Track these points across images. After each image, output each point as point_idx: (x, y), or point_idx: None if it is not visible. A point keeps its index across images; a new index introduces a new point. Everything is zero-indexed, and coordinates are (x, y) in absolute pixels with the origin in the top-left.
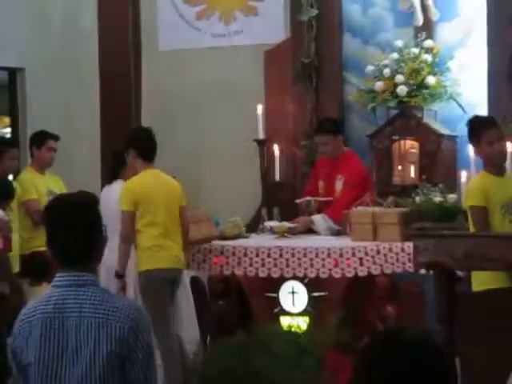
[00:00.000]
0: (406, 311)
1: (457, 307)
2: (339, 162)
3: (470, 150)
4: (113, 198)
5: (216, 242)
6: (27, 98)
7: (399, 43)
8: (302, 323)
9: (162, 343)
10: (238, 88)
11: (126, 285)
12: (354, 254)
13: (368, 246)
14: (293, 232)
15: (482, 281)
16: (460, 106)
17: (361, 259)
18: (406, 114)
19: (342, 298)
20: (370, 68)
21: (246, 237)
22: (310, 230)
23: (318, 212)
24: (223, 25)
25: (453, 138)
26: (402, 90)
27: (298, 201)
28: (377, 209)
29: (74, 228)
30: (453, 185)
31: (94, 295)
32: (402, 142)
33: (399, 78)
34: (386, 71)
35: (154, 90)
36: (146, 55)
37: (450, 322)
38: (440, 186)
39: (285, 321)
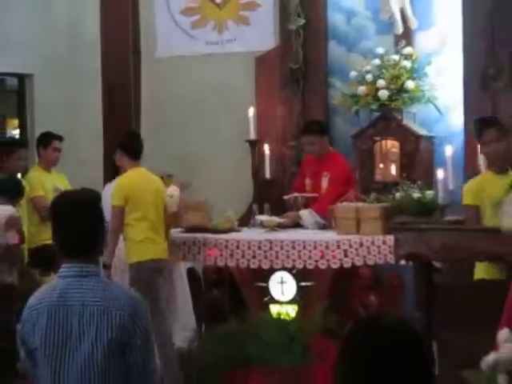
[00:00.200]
0: (387, 300)
1: (434, 296)
2: (325, 161)
3: (447, 149)
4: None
5: (210, 235)
6: (35, 101)
7: (380, 50)
8: (291, 311)
9: (158, 337)
10: (231, 92)
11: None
12: (338, 247)
13: (352, 239)
14: (282, 226)
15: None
16: (437, 108)
17: (345, 251)
18: (387, 117)
19: (328, 288)
20: (353, 73)
21: (238, 231)
22: (297, 225)
23: (305, 207)
24: (217, 33)
25: (430, 139)
26: (383, 93)
27: (285, 197)
28: (360, 204)
29: (77, 223)
30: (430, 182)
31: (96, 285)
32: (383, 142)
33: (381, 82)
34: (369, 76)
35: (153, 94)
36: (144, 62)
37: (427, 309)
38: (419, 183)
39: (274, 309)
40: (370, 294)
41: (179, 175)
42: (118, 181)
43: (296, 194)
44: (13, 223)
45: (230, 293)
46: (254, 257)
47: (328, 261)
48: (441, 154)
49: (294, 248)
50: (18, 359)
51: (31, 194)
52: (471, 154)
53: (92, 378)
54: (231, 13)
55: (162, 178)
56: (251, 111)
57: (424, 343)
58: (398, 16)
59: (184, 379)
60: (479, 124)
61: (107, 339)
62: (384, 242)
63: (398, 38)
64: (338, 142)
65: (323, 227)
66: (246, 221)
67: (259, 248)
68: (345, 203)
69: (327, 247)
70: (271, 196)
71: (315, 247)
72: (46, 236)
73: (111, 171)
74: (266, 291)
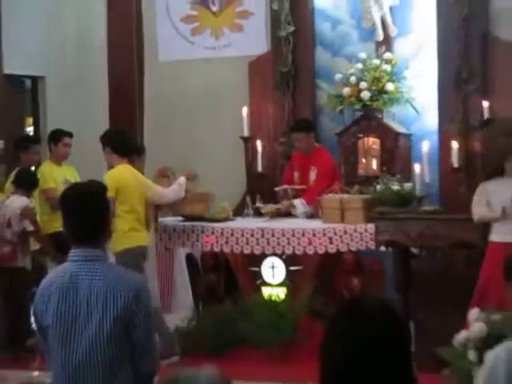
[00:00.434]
0: (368, 283)
1: (412, 279)
2: (312, 156)
3: (423, 146)
4: None
5: (207, 224)
6: (47, 101)
7: (363, 55)
8: (281, 293)
9: None
10: (227, 93)
11: None
12: (324, 234)
13: (336, 227)
14: (277, 213)
15: None
16: (414, 108)
17: (330, 238)
18: (368, 116)
19: (315, 272)
20: (338, 76)
21: (233, 220)
22: (287, 214)
23: (294, 198)
24: (214, 39)
25: (408, 136)
26: (365, 94)
27: (276, 189)
28: (344, 196)
29: (85, 212)
30: (408, 175)
31: (103, 268)
32: (365, 139)
33: (363, 84)
34: (352, 79)
35: (155, 95)
36: (147, 65)
37: (405, 292)
38: (397, 176)
39: (266, 291)
40: (353, 277)
41: (178, 169)
42: (108, 174)
43: (286, 186)
44: (27, 213)
45: (225, 276)
46: (247, 243)
47: (315, 247)
48: (418, 150)
49: (283, 235)
50: (28, 336)
51: (43, 185)
52: (445, 150)
53: (98, 352)
54: (227, 21)
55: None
56: (245, 110)
57: (402, 322)
58: (378, 24)
59: (182, 355)
60: None
61: (113, 318)
62: (366, 230)
63: (378, 44)
64: (325, 139)
65: (311, 216)
66: (240, 211)
67: (252, 235)
68: (330, 195)
69: (314, 235)
70: (263, 188)
71: (303, 235)
72: (56, 224)
73: None
74: (258, 275)
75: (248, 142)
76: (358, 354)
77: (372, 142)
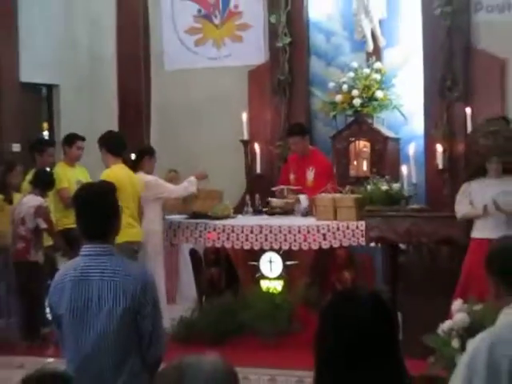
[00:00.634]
0: (359, 276)
1: (399, 272)
2: (308, 158)
3: (410, 149)
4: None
5: (209, 221)
6: (61, 108)
7: (354, 65)
8: (278, 286)
9: None
10: (227, 99)
11: None
12: (318, 231)
13: (330, 224)
14: (285, 207)
15: None
16: (402, 114)
17: (324, 235)
18: (359, 121)
19: (310, 266)
20: (331, 84)
21: (234, 217)
22: (284, 212)
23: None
24: (216, 50)
25: (396, 140)
26: (356, 101)
27: (274, 189)
28: (337, 195)
29: (96, 210)
30: (396, 176)
31: (113, 262)
32: (356, 142)
33: (354, 92)
34: (344, 87)
35: (161, 102)
36: (154, 74)
37: (393, 284)
38: (386, 177)
39: (264, 284)
40: (345, 271)
41: (183, 170)
42: (104, 173)
43: (282, 187)
44: (40, 212)
45: (226, 270)
46: (246, 239)
47: (309, 243)
48: (405, 153)
49: (280, 232)
50: (42, 325)
51: (58, 185)
52: (431, 153)
53: (108, 340)
54: (228, 32)
55: (170, 171)
56: (244, 116)
57: (391, 312)
58: (369, 36)
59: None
60: None
61: (122, 308)
62: (357, 227)
63: (369, 55)
64: (319, 142)
65: (306, 214)
66: (240, 209)
67: (251, 232)
68: (324, 194)
69: (309, 231)
70: (261, 188)
71: (299, 231)
72: (69, 221)
73: (132, 166)
74: (256, 269)
75: (247, 145)
76: (350, 340)
77: (363, 145)
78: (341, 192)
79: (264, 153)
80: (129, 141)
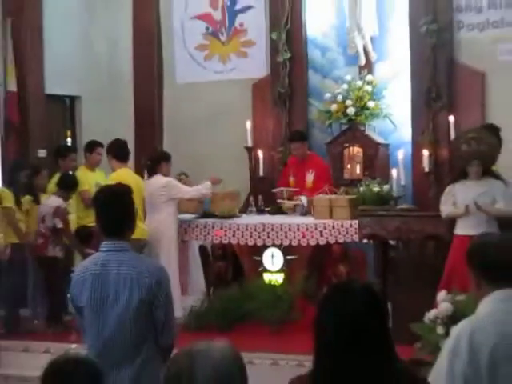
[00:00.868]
0: (353, 269)
1: (389, 266)
2: (307, 162)
3: (399, 154)
4: (152, 188)
5: (217, 220)
6: (82, 117)
7: (348, 77)
8: (279, 278)
9: None
10: (233, 109)
11: None
12: (316, 229)
13: (326, 222)
14: (294, 207)
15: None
16: (392, 122)
17: (321, 232)
18: (353, 128)
19: (308, 260)
20: (327, 95)
21: (239, 216)
22: (284, 212)
23: (289, 199)
24: (222, 64)
25: (386, 146)
26: (350, 110)
27: (274, 190)
28: (332, 196)
29: (114, 210)
30: (386, 179)
31: (129, 257)
32: (350, 148)
33: (348, 102)
34: (339, 97)
35: (173, 111)
36: (166, 86)
37: (384, 277)
38: (377, 179)
39: (266, 276)
40: (340, 265)
41: (192, 173)
42: (110, 176)
43: (282, 188)
44: (58, 213)
45: (232, 264)
46: (250, 236)
47: (308, 239)
48: (394, 158)
49: (281, 229)
50: (64, 313)
51: (79, 187)
52: (418, 157)
53: (125, 328)
54: (233, 49)
55: (179, 175)
56: (248, 124)
57: (382, 301)
58: (361, 51)
59: (197, 331)
60: None
61: (138, 299)
62: (351, 225)
63: (361, 68)
64: (316, 148)
65: (305, 213)
66: (245, 209)
67: (255, 230)
68: (321, 195)
69: (307, 229)
70: (264, 189)
71: (298, 229)
72: (89, 220)
73: (149, 170)
74: (260, 263)
75: (251, 150)
76: (345, 326)
77: (356, 151)
78: (336, 193)
79: (266, 158)
80: (143, 147)
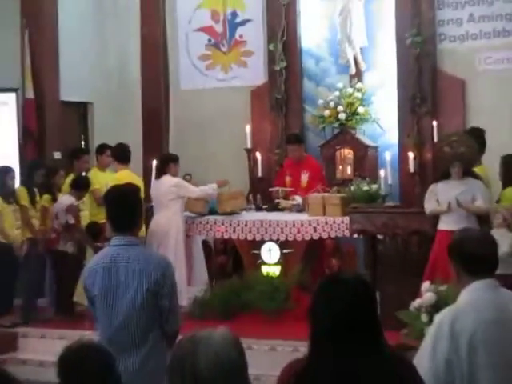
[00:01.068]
0: (344, 262)
1: (378, 259)
2: (303, 163)
3: (386, 155)
4: (161, 187)
5: (219, 217)
6: (95, 122)
7: (340, 85)
8: (276, 270)
9: None
10: (233, 114)
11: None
12: (310, 224)
13: (320, 219)
14: (291, 206)
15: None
16: (380, 126)
17: (315, 228)
18: (344, 132)
19: (303, 254)
20: (320, 101)
21: (239, 213)
22: (281, 209)
23: (284, 198)
24: (223, 73)
25: (375, 148)
26: (341, 116)
27: (270, 189)
28: (325, 194)
29: (122, 207)
30: (375, 179)
31: (137, 251)
32: (342, 150)
33: (340, 108)
34: (331, 103)
35: (178, 116)
36: (172, 93)
37: (373, 268)
38: (367, 179)
39: (264, 269)
40: (333, 258)
41: (195, 173)
42: (112, 177)
43: (277, 188)
44: (71, 210)
45: (233, 257)
46: (250, 232)
47: (303, 234)
48: (382, 159)
49: (278, 225)
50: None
51: (91, 187)
52: (404, 159)
53: (134, 316)
54: (233, 58)
55: (183, 176)
56: (248, 128)
57: (371, 291)
58: (351, 61)
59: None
60: None
61: (145, 289)
62: (342, 221)
63: (351, 77)
64: (310, 150)
65: (300, 210)
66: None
67: (253, 225)
68: (315, 193)
69: (302, 225)
70: (262, 189)
71: (293, 225)
72: (102, 216)
73: (158, 170)
74: (258, 256)
75: (250, 152)
76: (338, 314)
77: (347, 153)
78: (329, 192)
79: (264, 159)
80: (151, 149)
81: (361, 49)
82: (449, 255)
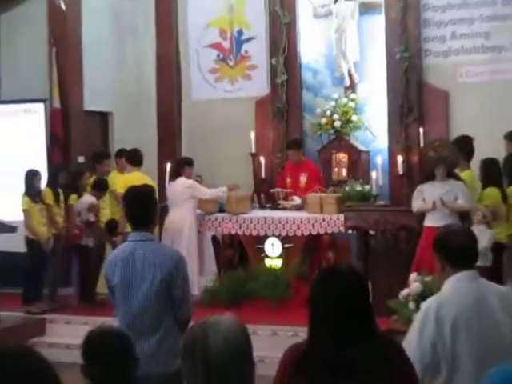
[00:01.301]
0: (340, 255)
1: (370, 252)
2: (302, 166)
3: (377, 159)
4: (177, 188)
5: (226, 215)
6: (114, 129)
7: (335, 96)
8: (278, 263)
9: None
10: (240, 122)
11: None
12: (308, 221)
13: (317, 216)
14: (291, 206)
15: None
16: (371, 133)
17: (313, 224)
18: (339, 138)
19: (302, 248)
20: (318, 110)
21: (245, 212)
22: (282, 208)
23: (284, 199)
24: (230, 85)
25: (367, 152)
26: (337, 123)
27: (272, 190)
28: (323, 194)
29: (139, 205)
30: (367, 180)
31: (153, 246)
32: (337, 154)
33: (335, 116)
34: (328, 112)
35: (190, 124)
36: (184, 103)
37: (365, 261)
38: (360, 180)
39: (267, 261)
40: (329, 251)
41: (205, 175)
42: (125, 177)
43: (278, 189)
44: (92, 208)
45: (239, 251)
46: (254, 228)
47: (302, 230)
48: (374, 163)
49: (280, 222)
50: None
51: (111, 187)
52: (393, 162)
53: (149, 304)
54: (239, 72)
55: (194, 178)
56: (252, 134)
57: (364, 282)
58: (346, 74)
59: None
60: None
61: (159, 280)
62: (338, 218)
63: (346, 88)
64: (309, 154)
65: (300, 208)
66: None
67: (258, 222)
68: (313, 193)
69: (301, 221)
70: (265, 189)
71: (294, 222)
72: (120, 214)
73: (173, 172)
74: (262, 250)
75: (254, 156)
76: (335, 302)
77: (342, 157)
78: (325, 192)
79: (267, 162)
80: (165, 153)
81: (354, 63)
82: (434, 249)
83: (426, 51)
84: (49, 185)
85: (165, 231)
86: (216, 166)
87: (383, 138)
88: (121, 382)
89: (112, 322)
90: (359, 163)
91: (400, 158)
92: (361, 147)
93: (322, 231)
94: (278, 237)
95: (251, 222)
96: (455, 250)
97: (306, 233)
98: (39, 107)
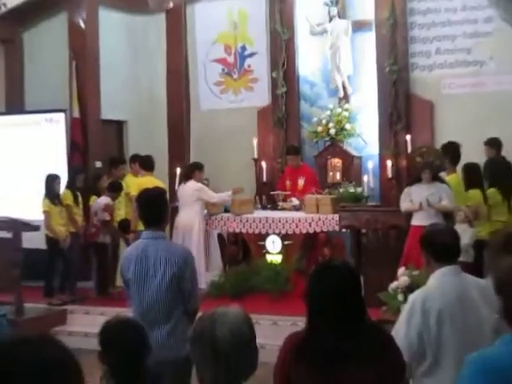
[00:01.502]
0: (334, 252)
1: (362, 249)
2: (300, 170)
3: (369, 164)
4: (187, 190)
5: (231, 215)
6: (129, 136)
7: (330, 106)
8: (278, 258)
9: None
10: (243, 130)
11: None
12: (306, 221)
13: (314, 216)
14: (290, 207)
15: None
16: (363, 140)
17: (310, 223)
18: (334, 145)
19: (300, 245)
20: (314, 119)
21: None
22: (282, 208)
23: (283, 200)
24: (234, 96)
25: (359, 158)
26: (332, 131)
27: (272, 193)
28: (319, 196)
29: (151, 206)
30: (359, 183)
31: (164, 244)
32: (332, 159)
33: (330, 125)
34: (324, 121)
35: (197, 132)
36: (192, 113)
37: (358, 257)
38: (353, 183)
39: (269, 257)
40: (325, 248)
41: (212, 179)
42: (138, 181)
43: (278, 192)
44: (107, 208)
45: (243, 248)
46: (256, 227)
47: (300, 229)
48: (366, 167)
49: (280, 221)
50: (112, 286)
51: (126, 190)
52: (383, 167)
53: (161, 297)
54: (243, 84)
55: (203, 180)
56: (255, 141)
57: (357, 276)
58: (340, 86)
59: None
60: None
61: (170, 274)
62: (333, 218)
63: (340, 99)
64: (306, 160)
65: (298, 209)
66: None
67: (260, 221)
68: (310, 195)
69: (299, 221)
70: (266, 191)
71: (292, 221)
72: (134, 214)
73: (184, 175)
74: (263, 247)
75: (257, 161)
76: (330, 295)
77: (336, 162)
78: (321, 193)
79: (268, 167)
80: (175, 159)
81: (348, 76)
82: (420, 245)
83: (412, 65)
84: (68, 187)
85: (175, 230)
86: (221, 170)
87: (374, 144)
88: (135, 369)
89: (127, 312)
90: (352, 167)
91: (389, 163)
92: (354, 153)
93: (318, 230)
94: (279, 235)
95: (254, 221)
96: (440, 247)
97: (304, 231)
98: (60, 117)
